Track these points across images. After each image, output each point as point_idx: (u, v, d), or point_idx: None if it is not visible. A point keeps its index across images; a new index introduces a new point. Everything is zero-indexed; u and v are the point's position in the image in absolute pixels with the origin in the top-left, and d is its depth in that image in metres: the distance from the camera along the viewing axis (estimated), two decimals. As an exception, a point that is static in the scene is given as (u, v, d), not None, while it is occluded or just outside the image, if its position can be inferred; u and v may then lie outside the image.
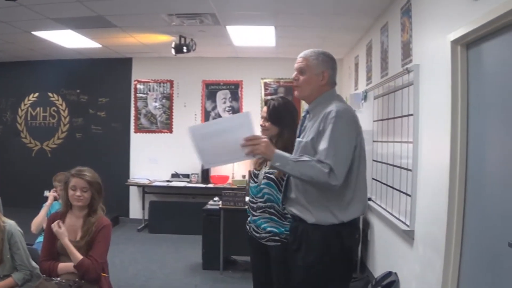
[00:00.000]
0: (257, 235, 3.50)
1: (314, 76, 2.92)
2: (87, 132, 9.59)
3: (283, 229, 3.35)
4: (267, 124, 3.51)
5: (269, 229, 3.43)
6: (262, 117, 3.58)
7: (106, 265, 3.72)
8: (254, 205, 3.55)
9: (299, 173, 2.70)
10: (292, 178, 2.95)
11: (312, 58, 2.93)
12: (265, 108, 3.57)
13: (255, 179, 3.60)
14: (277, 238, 3.40)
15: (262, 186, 3.48)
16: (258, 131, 2.83)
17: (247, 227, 3.68)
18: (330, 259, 2.80)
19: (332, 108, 2.76)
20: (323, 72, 2.92)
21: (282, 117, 3.46)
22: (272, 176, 3.43)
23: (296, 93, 3.03)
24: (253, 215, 3.56)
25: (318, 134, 2.77)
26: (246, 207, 3.75)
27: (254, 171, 3.66)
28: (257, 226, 3.51)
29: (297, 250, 2.94)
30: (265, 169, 3.53)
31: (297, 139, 3.00)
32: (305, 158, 2.72)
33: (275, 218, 3.42)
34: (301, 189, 2.89)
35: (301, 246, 2.90)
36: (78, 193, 3.59)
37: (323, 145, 2.71)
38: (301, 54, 2.99)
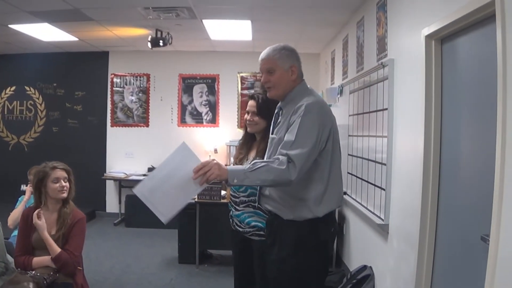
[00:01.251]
0: (240, 229, 3.43)
1: (284, 73, 2.86)
2: (64, 126, 9.44)
3: None
4: (255, 118, 3.44)
5: (253, 223, 3.37)
6: (248, 112, 3.51)
7: (81, 259, 3.68)
8: (237, 200, 3.48)
9: (260, 181, 2.61)
10: None
11: (276, 57, 2.86)
12: (251, 102, 3.50)
13: None
14: (261, 232, 3.34)
15: None
16: (199, 156, 2.71)
17: (230, 220, 3.62)
18: (304, 254, 2.77)
19: (303, 102, 2.73)
20: (291, 66, 2.87)
21: (271, 110, 3.41)
22: None
23: (269, 94, 2.97)
24: (236, 210, 3.49)
25: (288, 128, 2.74)
26: (228, 201, 3.68)
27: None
28: (240, 221, 3.44)
29: (271, 244, 2.91)
30: (246, 164, 3.48)
31: (271, 136, 2.96)
32: (259, 164, 2.61)
33: (260, 212, 3.37)
34: None
35: (275, 241, 2.87)
36: (63, 183, 3.60)
37: (288, 137, 2.67)
38: (263, 56, 2.91)
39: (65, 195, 3.61)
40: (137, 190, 2.65)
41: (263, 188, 2.97)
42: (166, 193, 2.66)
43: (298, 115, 2.68)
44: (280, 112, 2.97)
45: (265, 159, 2.97)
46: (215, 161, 2.63)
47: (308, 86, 2.96)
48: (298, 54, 2.95)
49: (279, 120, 2.95)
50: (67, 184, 3.64)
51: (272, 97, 2.99)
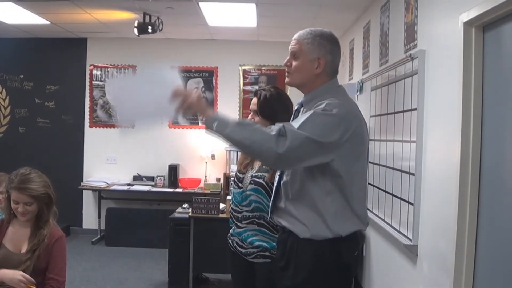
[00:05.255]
0: (243, 250, 3.44)
1: (307, 63, 2.86)
2: (33, 126, 9.43)
3: (274, 244, 3.26)
4: (256, 118, 3.46)
5: (257, 243, 3.38)
6: (251, 110, 3.54)
7: (64, 284, 3.66)
8: (239, 215, 3.49)
9: (240, 137, 2.59)
10: (283, 184, 2.91)
11: (306, 42, 2.86)
12: (254, 100, 3.54)
13: (240, 184, 3.55)
14: (267, 254, 3.35)
15: (248, 192, 3.44)
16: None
17: (229, 240, 3.62)
18: (323, 279, 2.76)
19: (325, 102, 2.72)
20: (318, 58, 2.85)
21: (275, 110, 3.42)
22: (260, 180, 3.39)
23: (286, 79, 2.99)
24: (238, 227, 3.50)
25: None
26: (228, 216, 3.69)
27: (238, 174, 3.61)
28: (242, 240, 3.45)
29: (285, 267, 2.90)
30: (251, 172, 3.49)
31: None
32: (249, 121, 2.71)
33: (265, 230, 3.37)
34: (291, 198, 2.85)
35: (289, 263, 2.86)
36: (20, 208, 3.48)
37: (293, 122, 2.70)
38: (296, 35, 2.93)
39: (24, 219, 3.52)
40: (110, 81, 2.75)
41: (278, 198, 2.96)
42: (136, 97, 2.77)
43: (314, 109, 2.70)
44: (301, 109, 2.97)
45: None
46: (198, 92, 2.76)
47: (340, 84, 2.98)
48: (338, 47, 2.95)
49: (298, 118, 2.94)
50: (30, 208, 3.49)
51: (287, 84, 3.01)
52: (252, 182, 3.43)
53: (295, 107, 3.10)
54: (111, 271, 7.18)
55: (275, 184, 3.03)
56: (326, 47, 2.87)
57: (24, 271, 3.40)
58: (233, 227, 3.57)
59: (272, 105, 3.43)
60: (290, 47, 2.93)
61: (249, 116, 3.53)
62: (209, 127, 2.64)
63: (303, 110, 2.95)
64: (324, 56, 2.86)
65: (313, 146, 2.62)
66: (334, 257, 2.76)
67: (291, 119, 3.07)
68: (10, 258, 3.46)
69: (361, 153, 2.85)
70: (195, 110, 2.71)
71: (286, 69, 2.97)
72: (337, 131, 2.66)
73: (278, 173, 2.99)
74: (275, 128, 2.58)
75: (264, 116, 3.43)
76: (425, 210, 4.08)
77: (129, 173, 9.12)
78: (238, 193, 3.52)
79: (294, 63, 2.89)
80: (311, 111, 2.68)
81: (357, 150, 2.79)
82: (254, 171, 3.46)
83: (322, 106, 2.68)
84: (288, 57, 2.94)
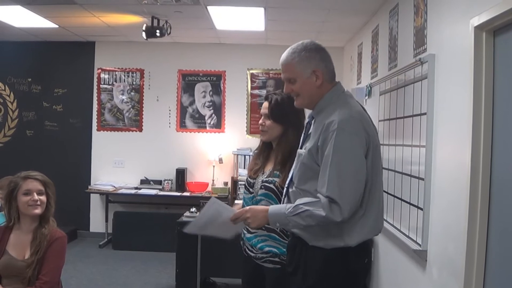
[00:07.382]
0: (252, 254, 3.43)
1: (306, 81, 2.86)
2: (40, 129, 9.45)
3: (284, 250, 3.24)
4: (268, 122, 3.45)
5: (267, 249, 3.36)
6: (261, 115, 3.53)
7: (59, 286, 3.64)
8: None
9: (304, 225, 2.74)
10: (291, 190, 2.93)
11: (295, 62, 2.85)
12: (265, 104, 3.53)
13: (250, 189, 3.54)
14: (277, 259, 3.33)
15: (259, 197, 3.43)
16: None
17: (241, 243, 3.61)
18: (331, 285, 2.76)
19: (335, 117, 2.70)
20: (314, 71, 2.84)
21: (286, 114, 3.41)
22: (271, 185, 3.38)
23: (296, 103, 2.99)
24: (248, 232, 3.49)
25: (317, 148, 2.74)
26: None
27: (249, 179, 3.60)
28: (252, 245, 3.44)
29: (293, 273, 2.90)
30: (262, 177, 3.48)
31: (298, 150, 2.96)
32: (300, 208, 2.71)
33: (275, 235, 3.35)
34: None
35: (298, 269, 2.86)
36: (35, 197, 3.51)
37: (323, 173, 2.68)
38: (281, 61, 2.92)
39: (38, 211, 3.51)
40: (188, 230, 3.16)
41: None
42: (215, 230, 3.14)
43: (330, 135, 2.67)
44: (312, 122, 2.96)
45: (290, 174, 3.00)
46: (247, 209, 2.93)
47: (345, 90, 2.96)
48: (325, 51, 2.93)
49: (310, 131, 2.93)
50: (42, 198, 3.54)
51: (299, 106, 3.03)
52: (262, 187, 3.42)
53: (306, 121, 3.10)
54: (118, 274, 7.19)
55: (284, 191, 3.04)
56: (315, 57, 2.86)
57: (29, 278, 3.41)
58: (243, 232, 3.56)
59: (283, 109, 3.42)
60: (282, 75, 2.95)
61: (260, 120, 3.51)
62: (275, 227, 3.11)
63: (313, 122, 2.94)
64: (317, 66, 2.85)
65: (361, 176, 2.70)
66: (343, 266, 2.76)
67: (303, 131, 3.06)
68: (14, 265, 3.46)
69: (376, 162, 2.83)
70: (257, 225, 2.91)
71: (291, 95, 2.98)
72: (361, 144, 2.71)
73: (288, 180, 2.99)
74: (324, 204, 2.64)
75: (276, 120, 3.43)
76: (434, 215, 4.06)
77: (136, 176, 9.13)
78: (249, 198, 3.50)
79: (294, 88, 2.89)
80: (331, 144, 2.66)
81: (372, 160, 2.79)
82: (265, 176, 3.45)
83: (335, 126, 2.66)
84: (285, 86, 2.95)
